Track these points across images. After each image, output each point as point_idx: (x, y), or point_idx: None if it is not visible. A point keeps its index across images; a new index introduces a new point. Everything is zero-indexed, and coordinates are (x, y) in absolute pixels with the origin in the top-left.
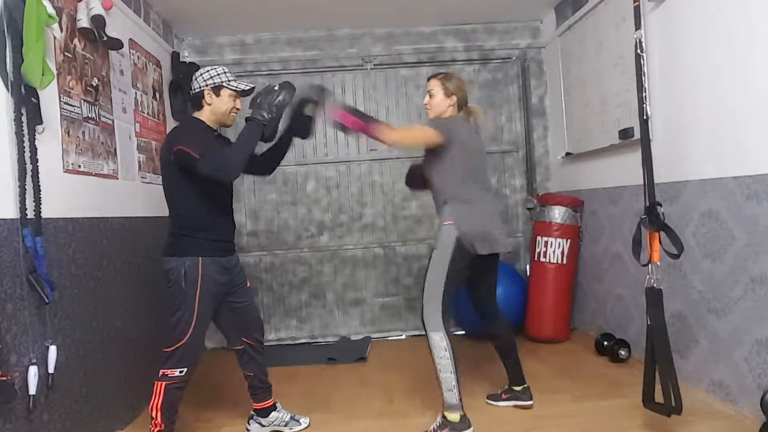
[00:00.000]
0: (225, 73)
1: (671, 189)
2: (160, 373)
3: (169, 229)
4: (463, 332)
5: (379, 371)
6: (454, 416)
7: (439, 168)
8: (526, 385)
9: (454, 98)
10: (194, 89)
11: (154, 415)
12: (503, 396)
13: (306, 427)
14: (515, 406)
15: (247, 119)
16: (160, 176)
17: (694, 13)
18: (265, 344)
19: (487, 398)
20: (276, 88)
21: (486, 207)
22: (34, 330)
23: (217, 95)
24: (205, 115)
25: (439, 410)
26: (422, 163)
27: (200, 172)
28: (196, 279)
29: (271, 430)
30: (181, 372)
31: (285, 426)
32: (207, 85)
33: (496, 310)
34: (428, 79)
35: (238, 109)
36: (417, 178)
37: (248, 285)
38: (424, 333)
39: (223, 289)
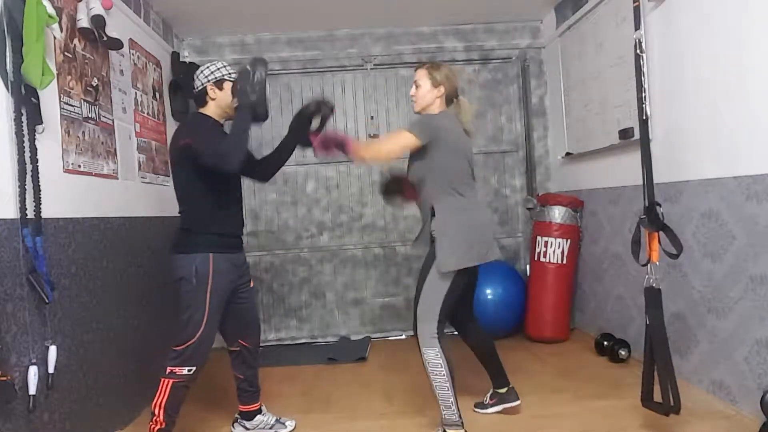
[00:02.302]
0: (225, 66)
1: (671, 189)
2: (168, 370)
3: (179, 226)
4: (456, 332)
5: (379, 371)
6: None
7: (424, 172)
8: (510, 386)
9: (442, 89)
10: (197, 87)
11: (156, 413)
12: (490, 401)
13: (292, 430)
14: (504, 411)
15: (235, 109)
16: (164, 175)
17: (694, 13)
18: (260, 347)
19: (475, 407)
20: (248, 68)
21: (478, 213)
22: (34, 330)
23: (220, 89)
24: (210, 110)
25: (438, 410)
26: (408, 167)
27: (205, 164)
28: (208, 276)
29: None
30: (189, 370)
31: (270, 429)
32: (209, 81)
33: (474, 317)
34: (415, 69)
35: None
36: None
37: (251, 285)
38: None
39: (232, 286)
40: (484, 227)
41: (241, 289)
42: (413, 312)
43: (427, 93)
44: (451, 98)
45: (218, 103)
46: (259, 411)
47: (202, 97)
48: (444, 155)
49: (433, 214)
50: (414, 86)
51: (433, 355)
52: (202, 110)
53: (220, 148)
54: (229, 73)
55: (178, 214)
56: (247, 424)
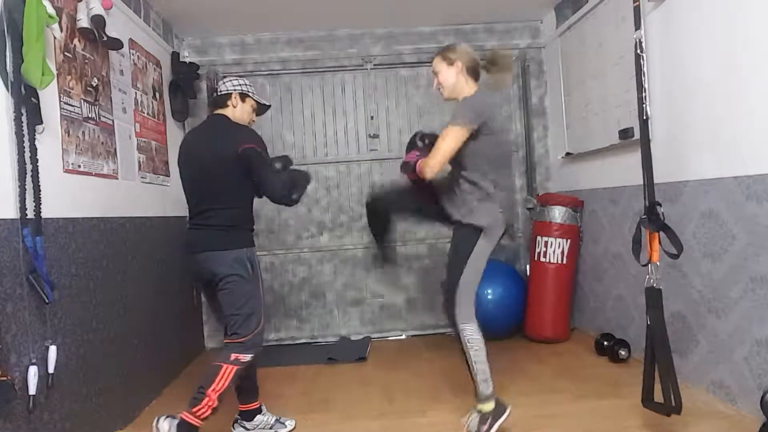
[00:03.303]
0: (251, 86)
1: (671, 189)
2: (233, 357)
3: (215, 223)
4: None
5: (379, 371)
6: (488, 406)
7: (467, 157)
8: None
9: (459, 64)
10: (221, 91)
11: (211, 397)
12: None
13: (292, 430)
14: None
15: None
16: (164, 175)
17: (694, 13)
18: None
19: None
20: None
21: (501, 195)
22: (34, 330)
23: (243, 101)
24: (228, 114)
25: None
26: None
27: (265, 179)
28: (257, 268)
29: None
30: (252, 356)
31: (270, 429)
32: (236, 90)
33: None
34: (431, 61)
35: (253, 121)
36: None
37: None
38: (454, 329)
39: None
40: (504, 208)
41: None
42: (448, 294)
43: (447, 75)
44: (475, 69)
45: (235, 112)
46: (259, 411)
47: (224, 100)
48: (488, 141)
49: (477, 199)
50: (434, 77)
51: (472, 330)
52: (221, 111)
53: (284, 182)
54: (254, 93)
55: (210, 212)
56: (247, 424)
